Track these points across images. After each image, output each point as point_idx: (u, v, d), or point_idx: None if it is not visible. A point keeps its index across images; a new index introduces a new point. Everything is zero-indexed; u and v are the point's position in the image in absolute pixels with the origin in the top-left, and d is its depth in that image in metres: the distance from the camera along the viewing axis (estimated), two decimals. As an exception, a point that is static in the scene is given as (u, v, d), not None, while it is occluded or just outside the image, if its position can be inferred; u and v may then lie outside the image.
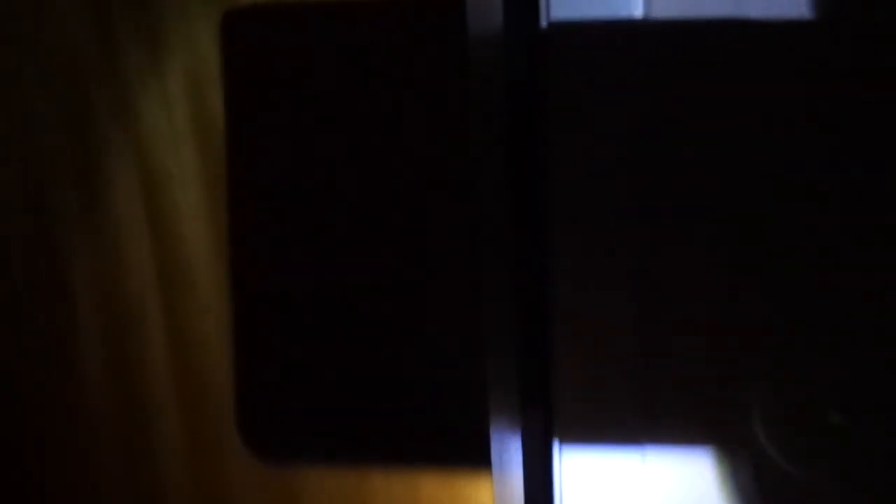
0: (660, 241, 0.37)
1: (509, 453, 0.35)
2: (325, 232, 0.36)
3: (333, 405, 0.35)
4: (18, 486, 0.40)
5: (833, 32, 0.34)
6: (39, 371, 0.40)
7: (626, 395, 0.38)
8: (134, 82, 0.38)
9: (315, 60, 0.35)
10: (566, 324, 0.37)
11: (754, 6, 0.34)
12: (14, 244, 0.39)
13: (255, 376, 0.36)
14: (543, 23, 0.35)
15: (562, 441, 0.38)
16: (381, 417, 0.34)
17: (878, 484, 0.37)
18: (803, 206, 0.36)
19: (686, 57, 0.35)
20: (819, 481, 0.37)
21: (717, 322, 0.37)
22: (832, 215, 0.35)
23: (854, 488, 0.37)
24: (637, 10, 0.35)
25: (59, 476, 0.40)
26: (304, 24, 0.35)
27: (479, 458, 0.34)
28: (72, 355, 0.40)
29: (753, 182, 0.36)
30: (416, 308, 0.35)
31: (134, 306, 0.39)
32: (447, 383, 0.34)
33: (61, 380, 0.40)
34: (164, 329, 0.38)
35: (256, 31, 0.35)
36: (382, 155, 0.35)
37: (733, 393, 0.37)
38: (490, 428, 0.34)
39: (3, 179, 0.39)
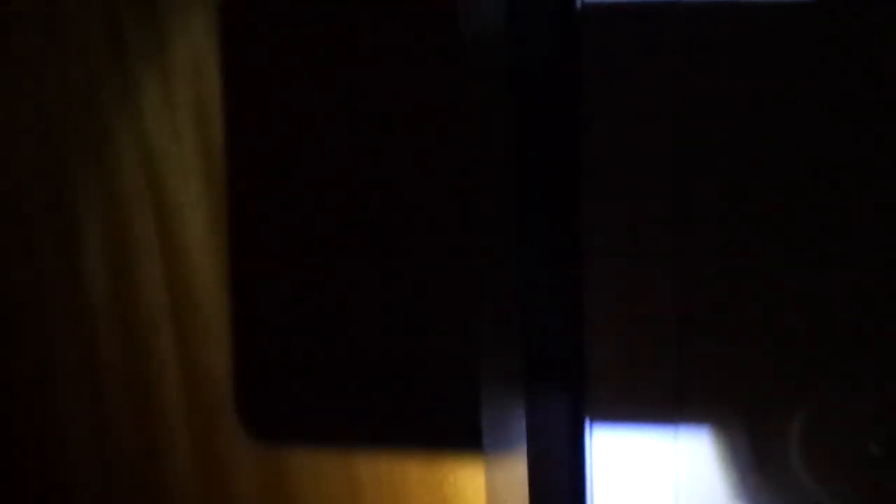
0: (695, 219, 0.35)
1: (509, 434, 0.35)
2: (317, 228, 0.37)
3: (326, 388, 0.37)
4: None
5: (881, 15, 0.30)
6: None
7: (662, 374, 0.37)
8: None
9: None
10: (600, 302, 0.37)
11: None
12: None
13: (255, 365, 0.39)
14: (577, 4, 0.33)
15: (593, 420, 0.38)
16: (369, 398, 0.36)
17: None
18: (863, 207, 0.33)
19: (724, 39, 0.32)
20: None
21: (759, 311, 0.35)
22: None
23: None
24: None
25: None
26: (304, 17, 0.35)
27: (468, 441, 0.35)
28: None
29: (799, 168, 0.33)
30: (409, 291, 0.36)
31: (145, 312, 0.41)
32: (436, 361, 0.35)
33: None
34: (171, 325, 0.41)
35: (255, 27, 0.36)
36: (384, 154, 0.35)
37: (772, 385, 0.35)
38: (481, 409, 0.34)
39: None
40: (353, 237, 0.36)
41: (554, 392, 0.39)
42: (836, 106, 0.32)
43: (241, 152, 0.37)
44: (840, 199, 0.33)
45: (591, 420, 0.39)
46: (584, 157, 0.36)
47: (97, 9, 0.40)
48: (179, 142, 0.40)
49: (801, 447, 0.35)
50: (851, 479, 0.34)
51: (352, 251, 0.36)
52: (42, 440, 0.43)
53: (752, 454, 0.36)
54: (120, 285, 0.41)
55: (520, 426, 0.36)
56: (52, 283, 0.42)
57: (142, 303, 0.41)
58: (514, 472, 0.37)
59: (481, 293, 0.33)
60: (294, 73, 0.36)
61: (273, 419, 0.37)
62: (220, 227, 0.39)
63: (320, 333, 0.37)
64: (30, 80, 0.41)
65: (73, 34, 0.40)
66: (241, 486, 0.40)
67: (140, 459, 0.42)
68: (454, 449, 0.37)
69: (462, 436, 0.36)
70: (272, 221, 0.38)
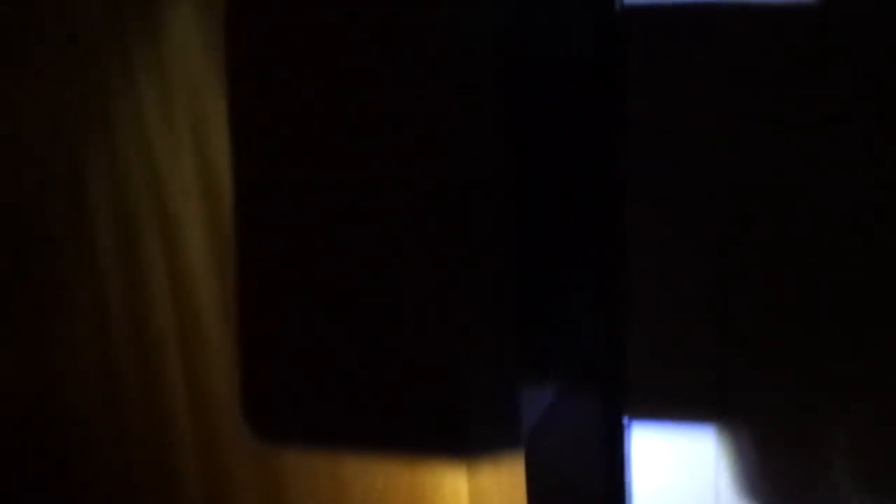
0: (738, 219, 0.35)
1: (502, 438, 0.34)
2: (317, 226, 0.36)
3: (321, 391, 0.37)
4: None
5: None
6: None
7: (703, 372, 0.37)
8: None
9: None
10: (641, 300, 0.37)
11: None
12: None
13: (256, 367, 0.38)
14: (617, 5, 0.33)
15: (632, 417, 0.38)
16: (357, 400, 0.35)
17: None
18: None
19: (765, 41, 0.32)
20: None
21: (804, 314, 0.35)
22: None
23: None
24: None
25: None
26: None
27: (450, 445, 0.34)
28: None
29: (846, 172, 0.33)
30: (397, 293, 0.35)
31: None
32: (420, 364, 0.34)
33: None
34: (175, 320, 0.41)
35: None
36: (385, 168, 0.35)
37: (817, 394, 0.35)
38: (463, 412, 0.33)
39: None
40: (353, 250, 0.36)
41: (591, 392, 0.39)
42: (885, 111, 0.32)
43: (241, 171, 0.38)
44: (889, 206, 0.33)
45: (630, 419, 0.39)
46: (626, 156, 0.35)
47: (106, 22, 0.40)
48: (179, 163, 0.40)
49: (845, 457, 0.34)
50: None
51: (351, 262, 0.36)
52: (57, 442, 0.45)
53: (794, 462, 0.36)
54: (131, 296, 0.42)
55: (516, 430, 0.35)
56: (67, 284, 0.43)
57: (152, 317, 0.42)
58: (507, 476, 0.37)
59: (462, 296, 0.33)
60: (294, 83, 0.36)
61: (273, 424, 0.37)
62: (221, 245, 0.39)
63: (320, 340, 0.37)
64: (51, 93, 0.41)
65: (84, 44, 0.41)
66: (240, 486, 0.41)
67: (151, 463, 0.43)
68: (436, 454, 0.36)
69: (443, 440, 0.36)
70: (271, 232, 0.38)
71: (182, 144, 0.40)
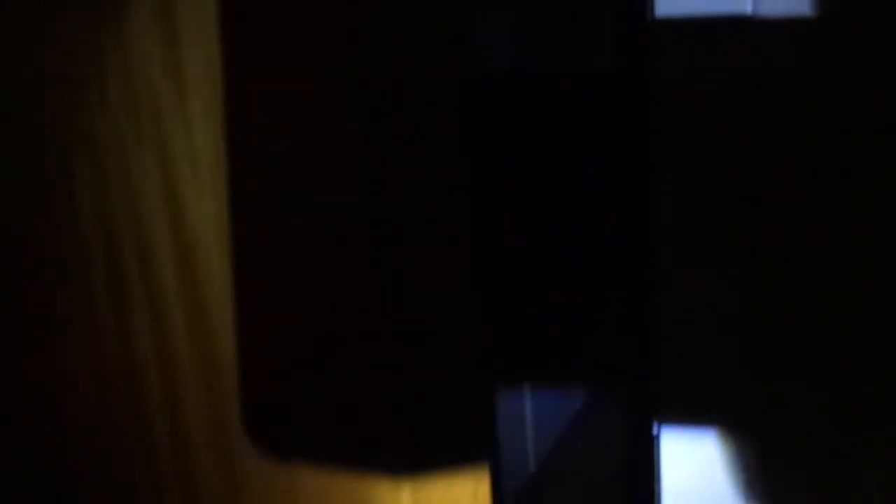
0: (771, 226, 0.35)
1: (450, 452, 0.34)
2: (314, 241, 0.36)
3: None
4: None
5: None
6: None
7: (734, 374, 0.37)
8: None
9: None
10: (670, 307, 0.37)
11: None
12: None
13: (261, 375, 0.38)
14: (648, 19, 0.33)
15: (661, 423, 0.39)
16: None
17: None
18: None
19: (797, 55, 0.32)
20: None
21: (840, 320, 0.35)
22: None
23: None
24: (746, 6, 0.32)
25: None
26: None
27: (395, 462, 0.34)
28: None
29: (878, 181, 0.33)
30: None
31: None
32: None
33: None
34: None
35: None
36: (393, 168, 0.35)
37: (852, 407, 0.35)
38: (405, 430, 0.33)
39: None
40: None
41: (619, 398, 0.39)
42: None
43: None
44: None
45: (660, 425, 0.39)
46: (655, 165, 0.35)
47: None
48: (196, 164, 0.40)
49: (879, 468, 0.35)
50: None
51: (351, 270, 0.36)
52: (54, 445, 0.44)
53: (823, 473, 0.36)
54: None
55: (477, 439, 0.35)
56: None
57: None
58: (461, 490, 0.37)
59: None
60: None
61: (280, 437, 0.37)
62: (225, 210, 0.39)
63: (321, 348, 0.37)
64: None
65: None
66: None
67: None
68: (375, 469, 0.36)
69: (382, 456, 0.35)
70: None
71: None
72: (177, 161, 0.39)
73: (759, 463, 0.38)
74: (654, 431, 0.39)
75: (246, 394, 0.37)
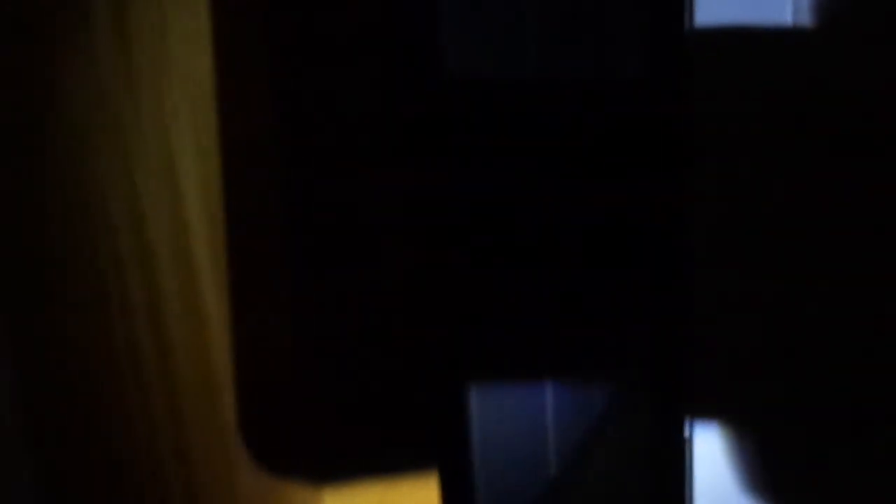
0: (808, 227, 0.35)
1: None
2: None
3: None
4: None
5: None
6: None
7: (766, 379, 0.37)
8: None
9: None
10: (706, 308, 0.37)
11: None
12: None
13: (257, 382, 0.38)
14: (688, 26, 0.33)
15: (693, 419, 0.39)
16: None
17: None
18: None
19: (832, 63, 0.32)
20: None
21: (873, 320, 0.35)
22: None
23: None
24: (786, 15, 0.31)
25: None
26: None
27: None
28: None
29: None
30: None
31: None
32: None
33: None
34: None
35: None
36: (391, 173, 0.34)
37: (884, 409, 0.36)
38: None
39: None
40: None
41: (651, 394, 0.39)
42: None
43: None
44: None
45: (692, 422, 0.39)
46: (692, 167, 0.35)
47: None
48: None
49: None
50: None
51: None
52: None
53: (850, 472, 0.36)
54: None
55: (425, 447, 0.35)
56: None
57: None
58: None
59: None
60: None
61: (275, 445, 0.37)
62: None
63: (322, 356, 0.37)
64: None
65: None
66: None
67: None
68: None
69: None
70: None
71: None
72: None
73: (790, 460, 0.38)
74: (686, 433, 0.39)
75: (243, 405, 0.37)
